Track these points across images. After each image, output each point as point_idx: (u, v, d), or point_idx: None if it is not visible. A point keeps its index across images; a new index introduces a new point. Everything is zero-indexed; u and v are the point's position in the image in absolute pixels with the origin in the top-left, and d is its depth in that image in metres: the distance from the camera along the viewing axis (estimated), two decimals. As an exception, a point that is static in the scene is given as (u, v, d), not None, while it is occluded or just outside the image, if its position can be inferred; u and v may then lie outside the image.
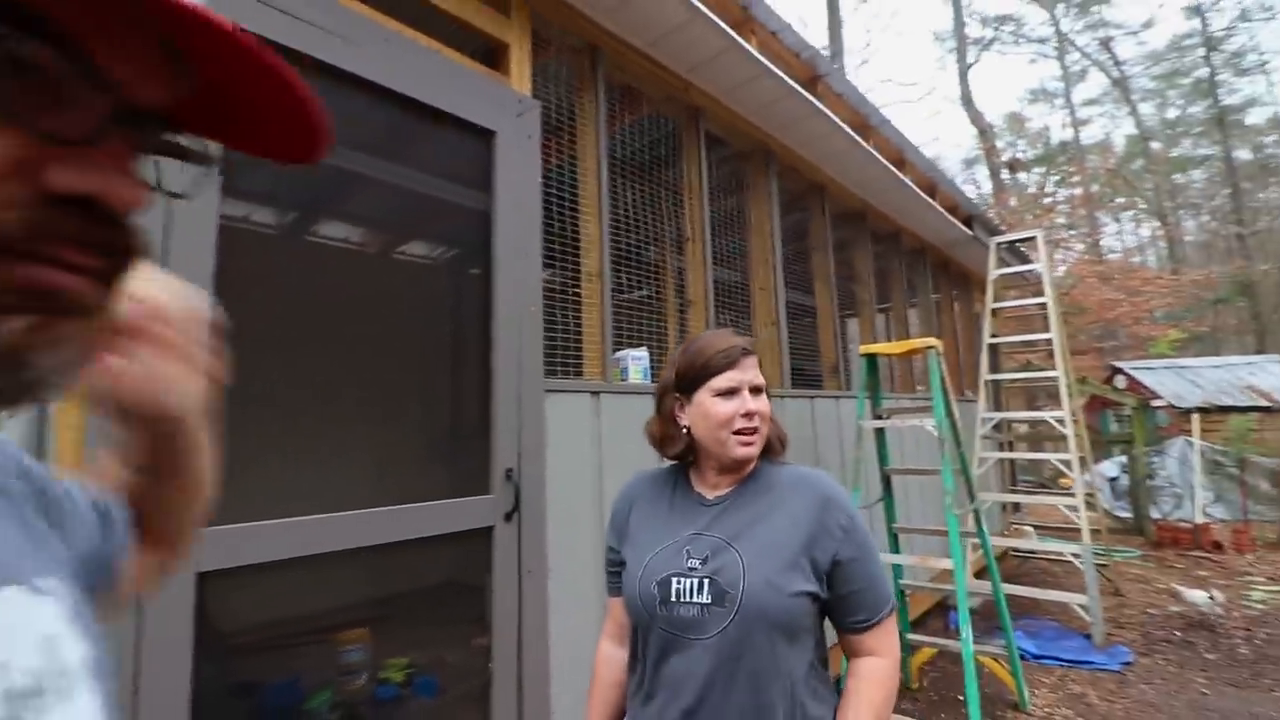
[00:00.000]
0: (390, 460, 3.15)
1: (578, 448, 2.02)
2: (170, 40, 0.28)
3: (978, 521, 2.91)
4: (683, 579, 0.97)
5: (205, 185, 0.36)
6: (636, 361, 2.30)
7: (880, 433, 3.17)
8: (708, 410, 1.03)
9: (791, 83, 2.81)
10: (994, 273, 4.98)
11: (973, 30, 22.55)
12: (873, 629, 0.97)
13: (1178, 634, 3.89)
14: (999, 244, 5.05)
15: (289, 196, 3.09)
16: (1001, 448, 6.07)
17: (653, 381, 2.33)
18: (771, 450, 1.08)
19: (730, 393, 1.02)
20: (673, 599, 0.97)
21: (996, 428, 5.76)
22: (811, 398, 3.29)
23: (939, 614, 4.24)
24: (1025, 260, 6.47)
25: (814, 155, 3.52)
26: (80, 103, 0.27)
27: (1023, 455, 4.73)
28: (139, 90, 0.28)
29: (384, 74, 1.63)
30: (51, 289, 0.27)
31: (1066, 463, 4.20)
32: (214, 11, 0.26)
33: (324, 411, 3.18)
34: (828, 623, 1.03)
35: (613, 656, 1.14)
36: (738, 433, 1.01)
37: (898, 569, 3.20)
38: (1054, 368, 4.51)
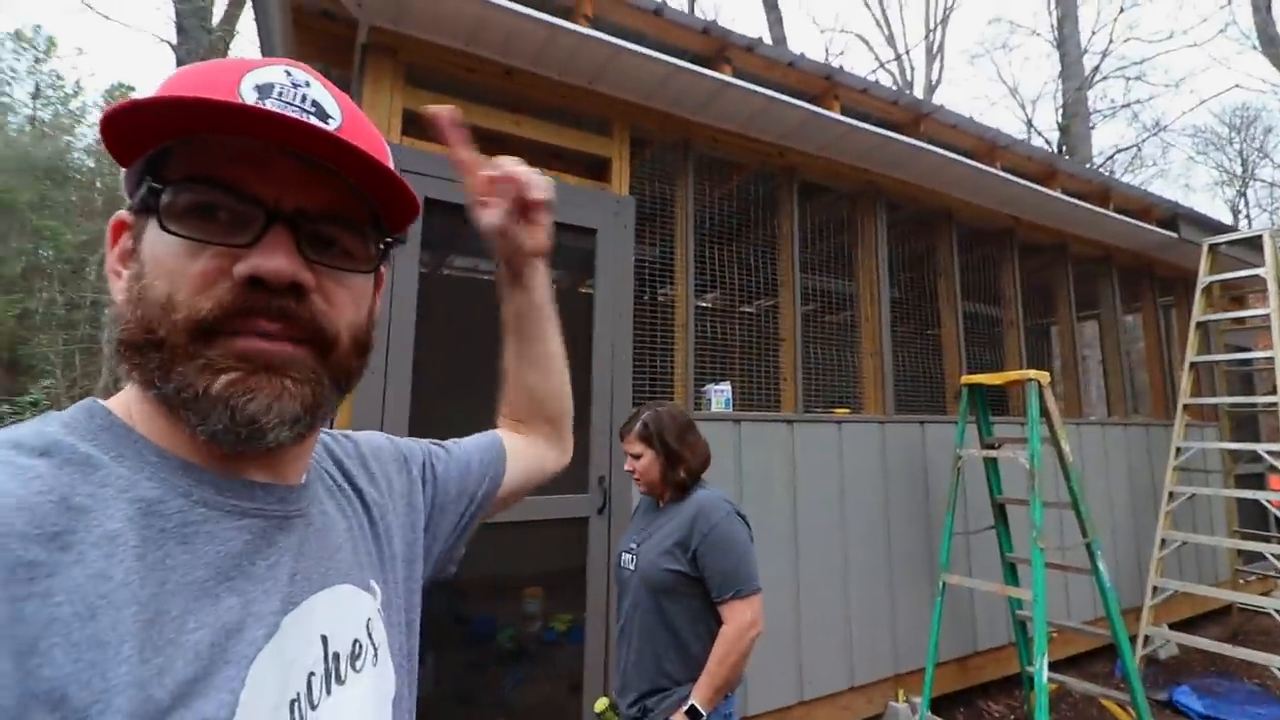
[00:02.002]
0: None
1: (659, 463, 2.60)
2: (315, 161, 0.41)
3: (1093, 559, 2.82)
4: (625, 553, 1.56)
5: (390, 258, 0.50)
6: (719, 393, 2.81)
7: (993, 461, 3.19)
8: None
9: (883, 131, 3.04)
10: (1204, 279, 4.32)
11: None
12: (724, 605, 1.46)
13: None
14: (1213, 245, 4.37)
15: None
16: (1239, 483, 5.11)
17: (732, 410, 2.82)
18: (680, 484, 1.59)
19: (626, 456, 1.61)
20: (621, 564, 1.56)
21: (1246, 458, 4.89)
22: (922, 423, 3.41)
23: (1108, 658, 3.92)
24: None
25: (935, 183, 3.60)
26: (246, 218, 0.40)
27: (1215, 491, 4.05)
28: (285, 200, 0.41)
29: (515, 204, 2.40)
30: (248, 353, 0.40)
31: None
32: (342, 138, 0.40)
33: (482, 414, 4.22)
34: None
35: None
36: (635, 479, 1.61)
37: (1014, 601, 3.18)
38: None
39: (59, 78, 18.20)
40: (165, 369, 0.39)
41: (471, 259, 4.86)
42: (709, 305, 3.51)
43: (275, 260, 0.40)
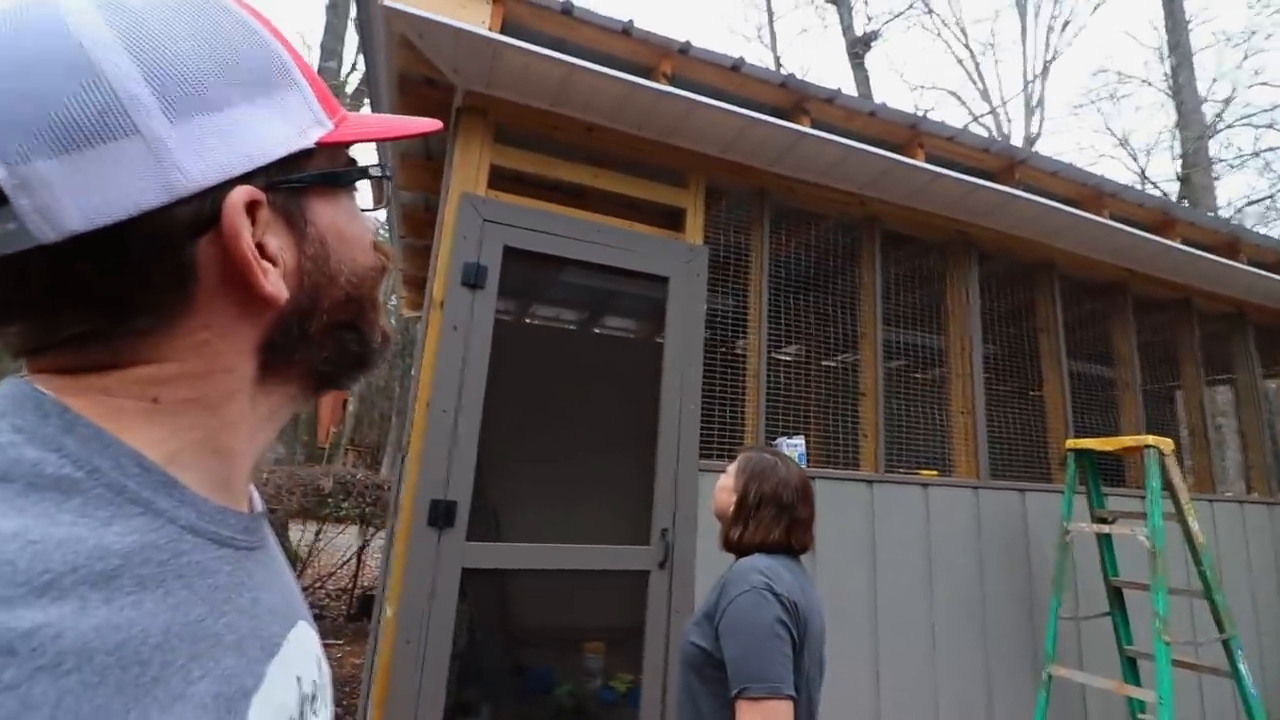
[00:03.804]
0: (586, 511, 3.99)
1: (727, 518, 2.49)
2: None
3: (1232, 659, 2.42)
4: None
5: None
6: (792, 447, 2.68)
7: (1107, 538, 2.85)
8: None
9: (969, 178, 2.91)
10: (1367, 341, 3.78)
11: None
12: (735, 702, 1.14)
13: None
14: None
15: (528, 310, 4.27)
16: None
17: (806, 466, 2.68)
18: (726, 543, 1.40)
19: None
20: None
21: None
22: (1022, 491, 3.11)
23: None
24: None
25: (1032, 232, 3.39)
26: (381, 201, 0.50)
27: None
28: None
29: (593, 254, 2.46)
30: (383, 329, 0.46)
31: None
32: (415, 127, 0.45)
33: (547, 464, 4.25)
34: None
35: None
36: None
37: (1135, 703, 2.76)
38: None
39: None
40: (369, 329, 0.44)
41: (551, 308, 5.03)
42: (786, 358, 3.41)
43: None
